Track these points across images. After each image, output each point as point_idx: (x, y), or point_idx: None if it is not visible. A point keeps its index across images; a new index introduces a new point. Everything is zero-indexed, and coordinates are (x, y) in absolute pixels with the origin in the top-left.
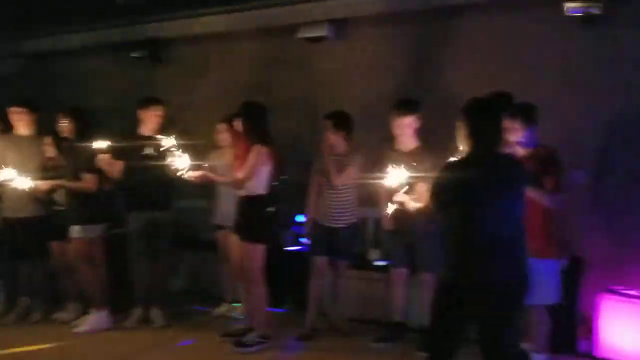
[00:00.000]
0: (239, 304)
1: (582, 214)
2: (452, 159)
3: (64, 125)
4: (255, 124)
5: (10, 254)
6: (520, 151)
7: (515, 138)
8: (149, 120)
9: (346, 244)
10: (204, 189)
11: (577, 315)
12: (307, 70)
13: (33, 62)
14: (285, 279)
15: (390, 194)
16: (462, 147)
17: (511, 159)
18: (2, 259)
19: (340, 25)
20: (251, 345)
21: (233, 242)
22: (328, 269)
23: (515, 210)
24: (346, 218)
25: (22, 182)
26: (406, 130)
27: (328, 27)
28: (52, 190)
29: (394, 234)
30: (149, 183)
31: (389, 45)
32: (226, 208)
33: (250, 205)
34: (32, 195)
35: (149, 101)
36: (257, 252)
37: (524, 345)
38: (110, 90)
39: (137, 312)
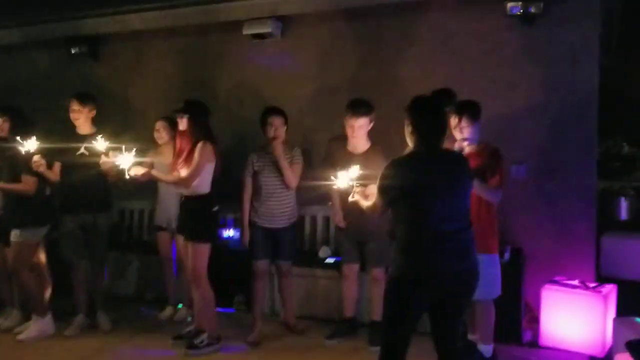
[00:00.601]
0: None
1: (523, 208)
2: (398, 156)
3: (1, 124)
4: (199, 121)
5: None
6: (466, 148)
7: (462, 135)
8: (83, 117)
9: (288, 244)
10: (145, 189)
11: (521, 306)
12: (252, 68)
13: None
14: (232, 279)
15: (341, 193)
16: (409, 144)
17: (455, 155)
18: None
19: (286, 22)
20: (202, 347)
21: (180, 244)
22: (271, 270)
23: (461, 205)
24: (287, 218)
25: None
26: (359, 132)
27: (273, 24)
28: None
29: (344, 231)
30: (84, 184)
31: (337, 42)
32: (166, 209)
33: (195, 205)
34: None
35: (85, 98)
36: (203, 251)
37: (471, 337)
38: (46, 88)
39: (78, 319)
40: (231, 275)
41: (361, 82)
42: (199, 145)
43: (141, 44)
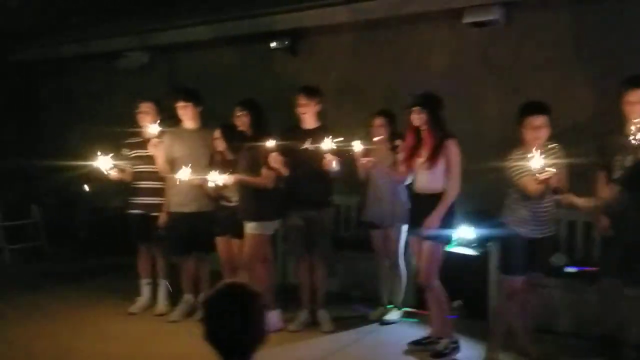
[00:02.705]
0: (393, 307)
1: None
2: None
3: (240, 117)
4: (438, 115)
5: (175, 249)
6: None
7: None
8: (311, 111)
9: (545, 255)
10: (353, 185)
11: None
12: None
13: (159, 55)
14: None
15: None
16: None
17: None
18: (166, 255)
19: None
20: (448, 353)
21: (414, 244)
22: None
23: None
24: (547, 226)
25: (216, 177)
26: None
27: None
28: (223, 185)
29: (609, 240)
30: (309, 179)
31: None
32: (379, 205)
33: (435, 203)
34: (201, 191)
35: (311, 91)
36: (438, 252)
37: None
38: (246, 83)
39: (303, 315)
40: (449, 278)
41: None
42: (449, 143)
43: (343, 37)
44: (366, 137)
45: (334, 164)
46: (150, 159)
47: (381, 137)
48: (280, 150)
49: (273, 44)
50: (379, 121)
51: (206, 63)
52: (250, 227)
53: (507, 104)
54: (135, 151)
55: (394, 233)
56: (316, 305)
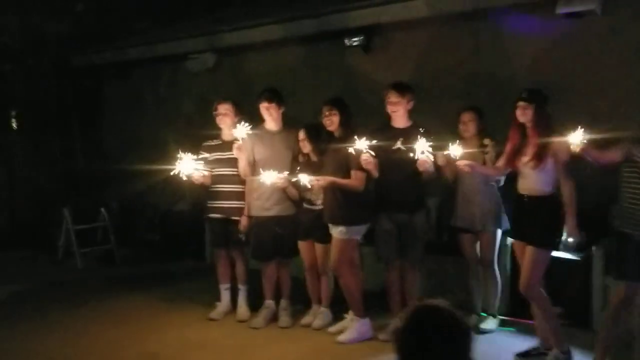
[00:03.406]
0: (488, 315)
1: None
2: None
3: (330, 117)
4: (545, 112)
5: (257, 254)
6: None
7: None
8: (402, 109)
9: None
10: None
11: None
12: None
13: (225, 57)
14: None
15: None
16: None
17: None
18: (247, 259)
19: None
20: None
21: (517, 248)
22: None
23: None
24: None
25: (307, 179)
26: None
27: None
28: (306, 188)
29: None
30: (401, 181)
31: None
32: (469, 208)
33: (541, 206)
34: (283, 194)
35: (403, 88)
36: (544, 259)
37: None
38: (317, 82)
39: (395, 323)
40: (549, 284)
41: None
42: (559, 143)
43: (416, 33)
44: (455, 134)
45: (428, 165)
46: (230, 162)
47: (471, 133)
48: (372, 151)
49: (347, 42)
50: (467, 116)
51: (275, 63)
52: (338, 232)
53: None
54: (215, 154)
55: (487, 238)
56: None
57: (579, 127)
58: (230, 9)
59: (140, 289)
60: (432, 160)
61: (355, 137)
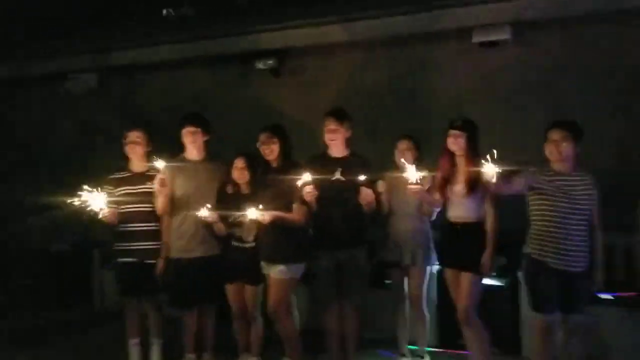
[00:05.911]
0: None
1: None
2: None
3: (269, 146)
4: (476, 140)
5: (176, 303)
6: None
7: None
8: (341, 138)
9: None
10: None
11: None
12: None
13: (114, 76)
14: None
15: None
16: None
17: None
18: (168, 308)
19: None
20: None
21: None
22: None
23: None
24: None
25: (253, 213)
26: None
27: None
28: (237, 223)
29: None
30: (341, 215)
31: None
32: (399, 241)
33: (475, 232)
34: (209, 231)
35: (342, 115)
36: (479, 284)
37: None
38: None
39: None
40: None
41: None
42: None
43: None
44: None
45: (370, 198)
46: (142, 196)
47: (409, 162)
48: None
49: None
50: (404, 145)
51: (172, 86)
52: (277, 271)
53: None
54: (122, 188)
55: (416, 272)
56: (346, 355)
57: (490, 157)
58: (121, 24)
59: (22, 346)
60: (374, 192)
61: (299, 168)
